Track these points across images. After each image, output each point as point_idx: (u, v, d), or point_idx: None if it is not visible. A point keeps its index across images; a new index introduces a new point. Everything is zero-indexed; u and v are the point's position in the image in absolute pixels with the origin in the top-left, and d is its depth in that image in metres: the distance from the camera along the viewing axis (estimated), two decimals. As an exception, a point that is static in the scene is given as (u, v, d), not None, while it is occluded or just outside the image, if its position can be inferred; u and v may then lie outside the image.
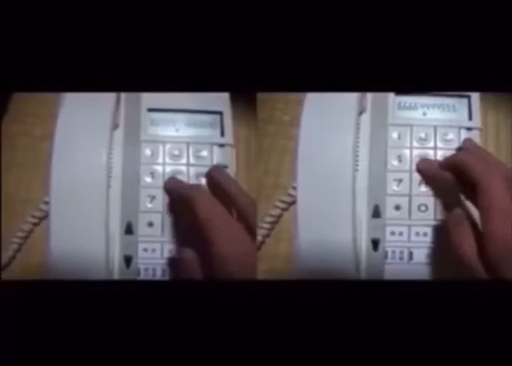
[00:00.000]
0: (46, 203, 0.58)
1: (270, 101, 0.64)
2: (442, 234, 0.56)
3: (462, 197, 0.53)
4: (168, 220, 0.57)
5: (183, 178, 0.57)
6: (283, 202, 0.62)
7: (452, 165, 0.53)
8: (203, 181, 0.57)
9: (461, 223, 0.51)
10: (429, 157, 0.57)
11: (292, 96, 0.63)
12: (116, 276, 0.55)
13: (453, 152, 0.56)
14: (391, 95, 0.59)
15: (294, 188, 0.60)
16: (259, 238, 0.60)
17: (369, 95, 0.58)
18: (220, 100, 0.60)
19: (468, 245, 0.49)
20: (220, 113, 0.60)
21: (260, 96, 0.61)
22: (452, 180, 0.53)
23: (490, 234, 0.47)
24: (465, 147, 0.56)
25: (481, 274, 0.48)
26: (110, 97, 0.56)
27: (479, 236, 0.49)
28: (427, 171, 0.56)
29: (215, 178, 0.56)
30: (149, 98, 0.59)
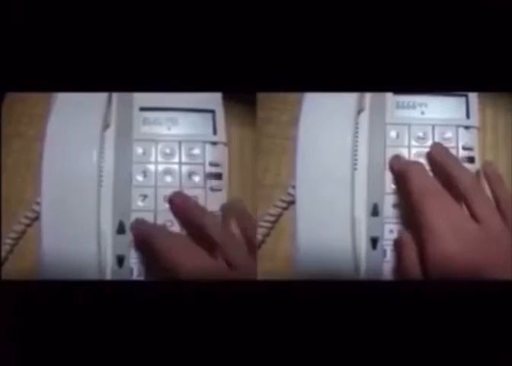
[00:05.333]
0: (38, 203, 0.58)
1: (269, 101, 0.64)
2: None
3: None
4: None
5: (175, 176, 0.57)
6: (283, 201, 0.61)
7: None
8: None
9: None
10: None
11: (291, 96, 0.63)
12: (108, 276, 0.55)
13: (452, 150, 0.57)
14: (389, 94, 0.59)
15: (293, 187, 0.60)
16: (259, 237, 0.60)
17: (368, 94, 0.59)
18: (212, 98, 0.60)
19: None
20: (212, 111, 0.59)
21: (259, 96, 0.61)
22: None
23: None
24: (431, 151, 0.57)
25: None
26: (101, 96, 0.56)
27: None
28: (398, 168, 0.57)
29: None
30: (141, 97, 0.59)
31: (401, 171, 0.55)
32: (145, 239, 0.54)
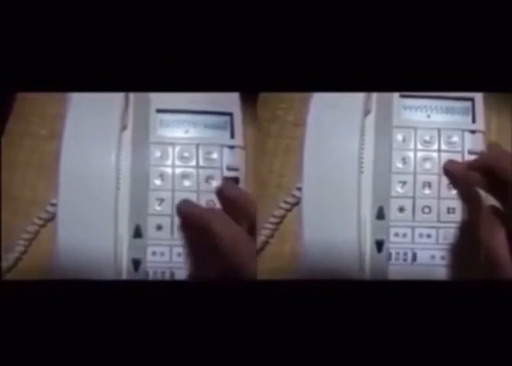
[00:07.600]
0: (53, 205, 0.57)
1: (274, 101, 0.64)
2: (445, 235, 0.56)
3: (492, 197, 0.53)
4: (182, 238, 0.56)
5: (192, 180, 0.57)
6: (287, 203, 0.61)
7: (483, 165, 0.52)
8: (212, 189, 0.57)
9: (492, 221, 0.51)
10: (432, 160, 0.57)
11: (296, 96, 0.63)
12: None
13: (458, 154, 0.57)
14: (395, 97, 0.58)
15: (298, 189, 0.61)
16: (262, 238, 0.60)
17: (374, 97, 0.58)
18: (230, 101, 0.59)
19: (499, 243, 0.49)
20: (230, 114, 0.59)
21: (263, 96, 0.61)
22: (481, 180, 0.52)
23: None
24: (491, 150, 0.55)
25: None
26: (118, 98, 0.55)
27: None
28: (456, 173, 0.56)
29: (227, 194, 0.55)
30: (158, 99, 0.58)
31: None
32: (201, 222, 0.52)
